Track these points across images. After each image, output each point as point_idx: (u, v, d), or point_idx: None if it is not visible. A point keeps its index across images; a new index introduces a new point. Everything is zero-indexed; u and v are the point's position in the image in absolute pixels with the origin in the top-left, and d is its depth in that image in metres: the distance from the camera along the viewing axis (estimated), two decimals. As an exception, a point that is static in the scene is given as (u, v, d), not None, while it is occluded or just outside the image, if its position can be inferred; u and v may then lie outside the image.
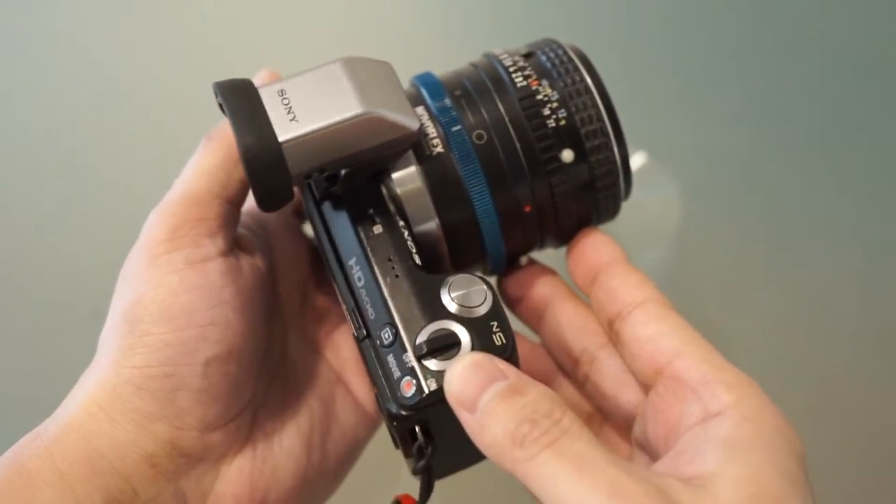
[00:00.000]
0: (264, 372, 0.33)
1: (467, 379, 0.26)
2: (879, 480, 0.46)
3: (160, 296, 0.29)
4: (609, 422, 0.34)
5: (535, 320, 0.35)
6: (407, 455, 0.30)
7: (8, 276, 0.53)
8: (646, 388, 0.31)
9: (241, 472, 0.31)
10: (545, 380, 0.36)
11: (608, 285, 0.32)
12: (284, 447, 0.32)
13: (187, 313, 0.29)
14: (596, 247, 0.33)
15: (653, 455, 0.30)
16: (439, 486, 0.30)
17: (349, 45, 0.33)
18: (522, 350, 0.36)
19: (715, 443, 0.25)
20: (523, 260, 0.36)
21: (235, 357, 0.30)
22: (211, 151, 0.32)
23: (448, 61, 0.36)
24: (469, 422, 0.25)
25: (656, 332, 0.30)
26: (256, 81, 0.33)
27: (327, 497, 0.35)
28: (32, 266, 0.54)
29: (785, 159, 0.56)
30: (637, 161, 0.54)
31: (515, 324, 0.37)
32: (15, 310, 0.52)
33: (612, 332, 0.32)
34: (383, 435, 0.37)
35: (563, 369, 0.35)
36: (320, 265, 0.37)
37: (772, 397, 0.48)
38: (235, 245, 0.33)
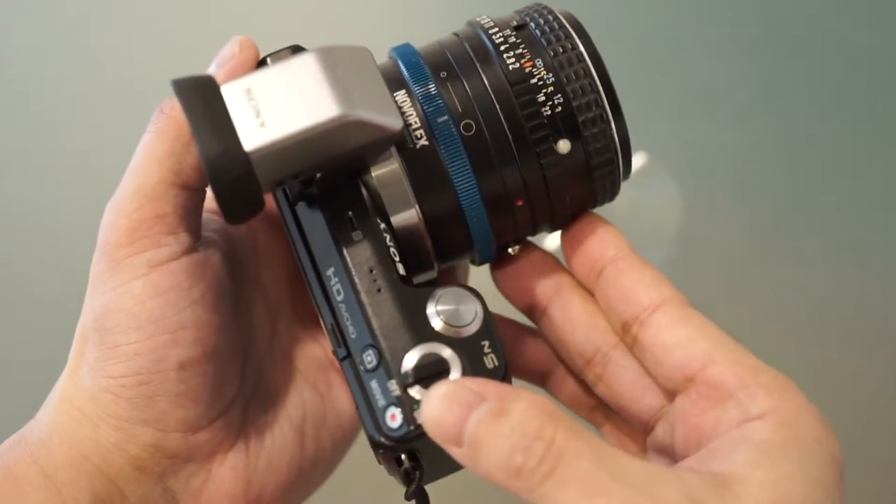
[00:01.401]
0: (250, 364, 0.32)
1: (443, 415, 0.24)
2: (881, 478, 0.47)
3: (125, 304, 0.28)
4: (612, 418, 0.33)
5: (536, 314, 0.33)
6: (391, 474, 0.28)
7: (7, 276, 0.54)
8: (669, 392, 0.29)
9: (235, 471, 0.30)
10: (545, 371, 0.35)
11: (619, 283, 0.30)
12: (277, 440, 0.31)
13: (155, 321, 0.28)
14: (598, 237, 0.31)
15: (677, 460, 0.28)
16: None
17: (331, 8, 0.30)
18: (520, 339, 0.35)
19: (748, 445, 0.25)
20: (513, 250, 0.34)
21: (212, 356, 0.29)
22: (159, 133, 0.29)
23: (431, 22, 0.34)
24: (460, 456, 0.24)
25: (683, 336, 0.28)
26: (227, 50, 0.31)
27: (321, 483, 0.34)
28: (32, 266, 0.54)
29: (785, 158, 0.57)
30: (637, 161, 0.54)
31: (511, 310, 0.35)
32: (14, 309, 0.53)
33: (629, 336, 0.30)
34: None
35: (570, 368, 0.33)
36: None
37: None
38: (203, 234, 0.31)
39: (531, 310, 0.34)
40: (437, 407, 0.24)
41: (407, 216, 0.29)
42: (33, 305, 0.53)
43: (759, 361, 0.28)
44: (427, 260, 0.30)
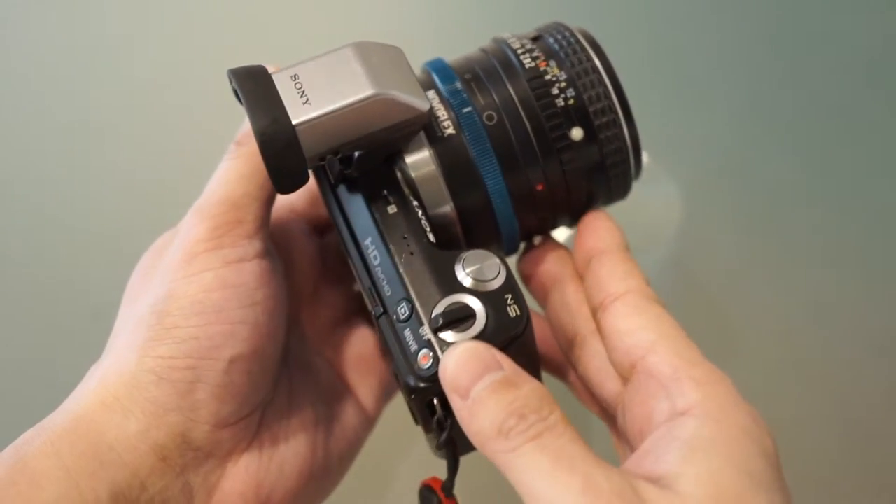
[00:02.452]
0: (276, 374, 0.33)
1: (463, 366, 0.26)
2: (879, 476, 0.47)
3: (192, 291, 0.30)
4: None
5: (542, 298, 0.35)
6: (427, 430, 0.30)
7: (9, 276, 0.54)
8: (623, 379, 0.30)
9: (247, 470, 0.31)
10: (557, 356, 0.36)
11: (597, 273, 0.32)
12: (290, 446, 0.33)
13: (218, 310, 0.30)
14: (595, 232, 0.33)
15: (632, 449, 0.30)
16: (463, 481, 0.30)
17: (360, 34, 0.33)
18: (543, 330, 0.36)
19: (677, 444, 0.25)
20: (537, 240, 0.36)
21: (258, 357, 0.31)
22: (245, 156, 0.33)
23: (459, 49, 0.36)
24: (460, 407, 0.26)
25: (634, 324, 0.30)
26: None
27: (328, 494, 0.35)
28: (33, 266, 0.54)
29: (786, 157, 0.57)
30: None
31: (531, 302, 0.36)
32: (16, 310, 0.53)
33: (596, 321, 0.32)
34: (381, 428, 0.37)
35: (562, 349, 0.35)
36: (325, 269, 0.38)
37: (775, 394, 0.47)
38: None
39: (540, 296, 0.36)
40: (461, 356, 0.26)
41: (437, 196, 0.32)
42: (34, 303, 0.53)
43: (700, 355, 0.28)
44: (455, 233, 0.33)
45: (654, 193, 0.53)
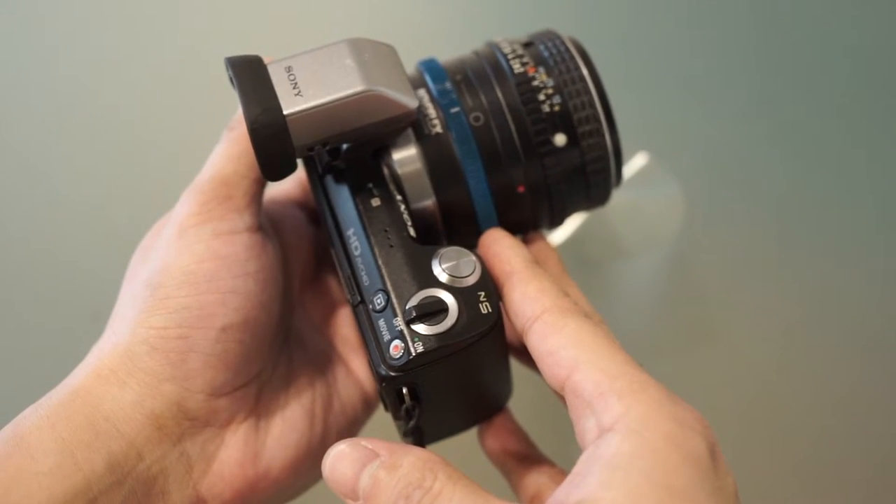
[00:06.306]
0: (273, 349, 0.34)
1: (340, 469, 0.27)
2: (884, 480, 0.46)
3: (184, 262, 0.31)
4: None
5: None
6: (396, 417, 0.31)
7: (9, 277, 0.54)
8: (562, 400, 0.29)
9: (246, 441, 0.32)
10: None
11: (510, 298, 0.31)
12: (288, 418, 0.33)
13: (209, 279, 0.30)
14: (498, 255, 0.32)
15: None
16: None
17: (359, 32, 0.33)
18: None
19: (600, 464, 0.25)
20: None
21: (251, 327, 0.31)
22: (236, 140, 0.33)
23: (456, 50, 0.37)
24: None
25: (555, 344, 0.29)
26: None
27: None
28: (33, 268, 0.54)
29: (786, 157, 0.56)
30: (639, 161, 0.54)
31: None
32: (15, 311, 0.53)
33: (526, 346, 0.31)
34: (379, 422, 0.37)
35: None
36: (324, 252, 0.38)
37: (777, 395, 0.46)
38: (263, 229, 0.34)
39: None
40: (332, 462, 0.27)
41: (420, 192, 0.33)
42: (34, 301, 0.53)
43: (624, 365, 0.27)
44: (436, 228, 0.34)
45: (654, 193, 0.54)
